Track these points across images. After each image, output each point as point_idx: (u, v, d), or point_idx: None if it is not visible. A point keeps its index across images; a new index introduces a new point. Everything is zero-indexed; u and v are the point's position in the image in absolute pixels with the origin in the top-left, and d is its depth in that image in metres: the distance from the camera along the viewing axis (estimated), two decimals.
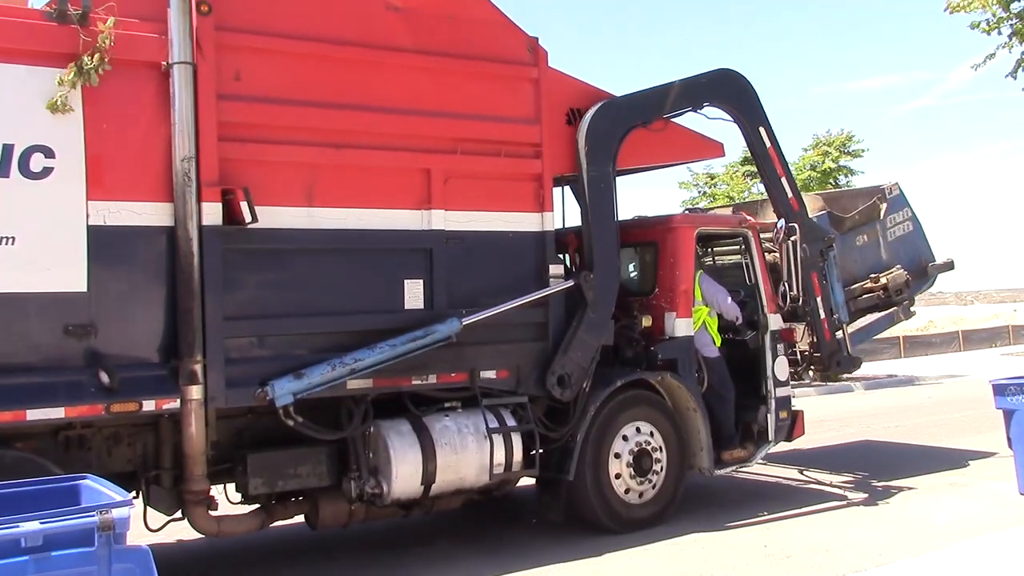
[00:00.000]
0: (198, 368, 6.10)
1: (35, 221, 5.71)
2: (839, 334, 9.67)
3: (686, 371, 8.38)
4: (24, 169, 5.67)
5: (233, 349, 6.33)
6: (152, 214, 6.11)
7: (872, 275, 10.74)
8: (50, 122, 5.75)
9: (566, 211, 8.94)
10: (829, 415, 15.05)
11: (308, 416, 6.60)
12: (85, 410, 5.84)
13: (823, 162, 25.27)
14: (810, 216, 9.66)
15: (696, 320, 8.59)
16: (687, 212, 10.07)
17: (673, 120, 8.79)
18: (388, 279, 7.02)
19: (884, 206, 10.90)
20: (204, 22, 6.23)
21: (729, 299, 8.84)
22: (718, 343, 8.79)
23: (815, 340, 9.47)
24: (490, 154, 7.47)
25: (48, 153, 5.75)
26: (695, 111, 8.70)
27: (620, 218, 8.28)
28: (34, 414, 5.64)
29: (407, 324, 6.92)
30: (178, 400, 6.09)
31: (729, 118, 8.94)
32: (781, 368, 9.02)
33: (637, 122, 8.23)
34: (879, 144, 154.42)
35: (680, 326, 8.44)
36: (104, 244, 5.91)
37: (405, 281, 7.06)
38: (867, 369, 25.16)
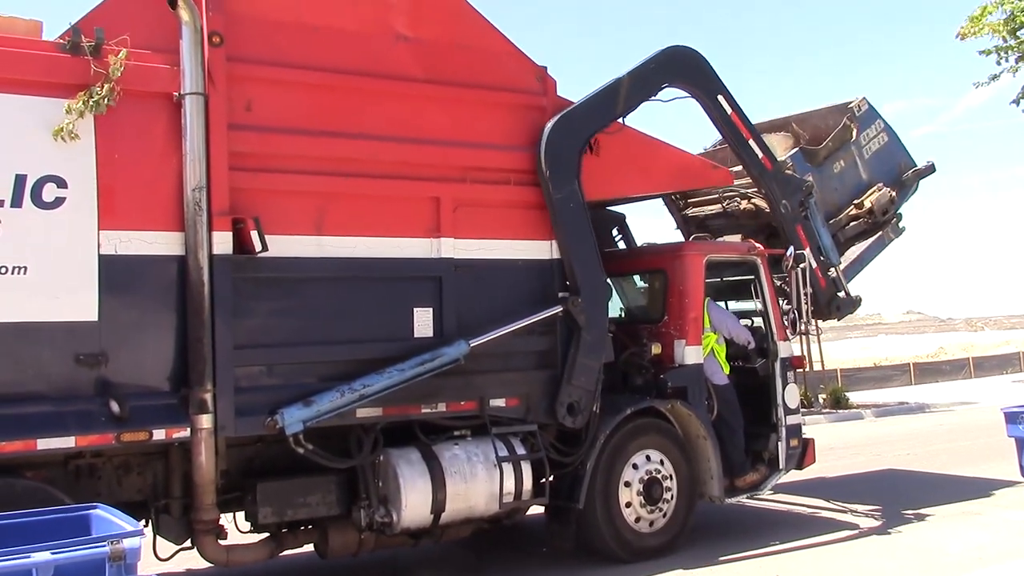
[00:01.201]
0: (208, 397, 6.10)
1: (47, 251, 5.74)
2: (832, 272, 9.49)
3: (696, 399, 8.36)
4: (37, 199, 5.71)
5: (243, 378, 6.34)
6: (163, 243, 6.14)
7: (856, 201, 10.39)
8: (63, 152, 5.79)
9: None
10: (840, 442, 14.98)
11: (318, 444, 6.59)
12: (96, 439, 5.84)
13: None
14: (783, 157, 9.56)
15: (705, 347, 8.58)
16: (695, 239, 10.09)
17: (673, 145, 8.82)
18: (397, 307, 7.03)
19: (855, 126, 10.43)
20: (216, 53, 6.28)
21: (739, 323, 8.84)
22: (727, 370, 8.77)
23: (811, 292, 9.19)
24: (499, 182, 7.50)
25: (61, 183, 5.79)
26: (651, 99, 8.36)
27: (632, 245, 8.27)
28: (45, 443, 5.65)
29: (416, 352, 6.90)
30: (188, 429, 6.09)
31: (685, 94, 8.62)
32: (791, 396, 9.00)
33: (594, 129, 7.87)
34: None
35: (689, 354, 8.42)
36: (115, 273, 5.94)
37: (414, 309, 7.07)
38: (877, 396, 25.10)
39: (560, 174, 7.59)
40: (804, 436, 9.11)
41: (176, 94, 6.18)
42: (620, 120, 8.10)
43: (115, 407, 5.82)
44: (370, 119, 6.96)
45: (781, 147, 9.88)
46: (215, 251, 6.18)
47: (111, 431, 5.84)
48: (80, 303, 5.81)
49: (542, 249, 7.67)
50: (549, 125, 7.58)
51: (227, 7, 6.39)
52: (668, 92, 8.52)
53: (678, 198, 10.58)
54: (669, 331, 8.53)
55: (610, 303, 9.52)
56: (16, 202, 5.65)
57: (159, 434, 6.03)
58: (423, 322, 7.08)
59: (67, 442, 5.73)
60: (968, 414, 19.96)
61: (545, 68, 7.84)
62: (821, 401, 22.21)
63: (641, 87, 8.16)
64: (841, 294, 9.54)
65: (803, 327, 9.12)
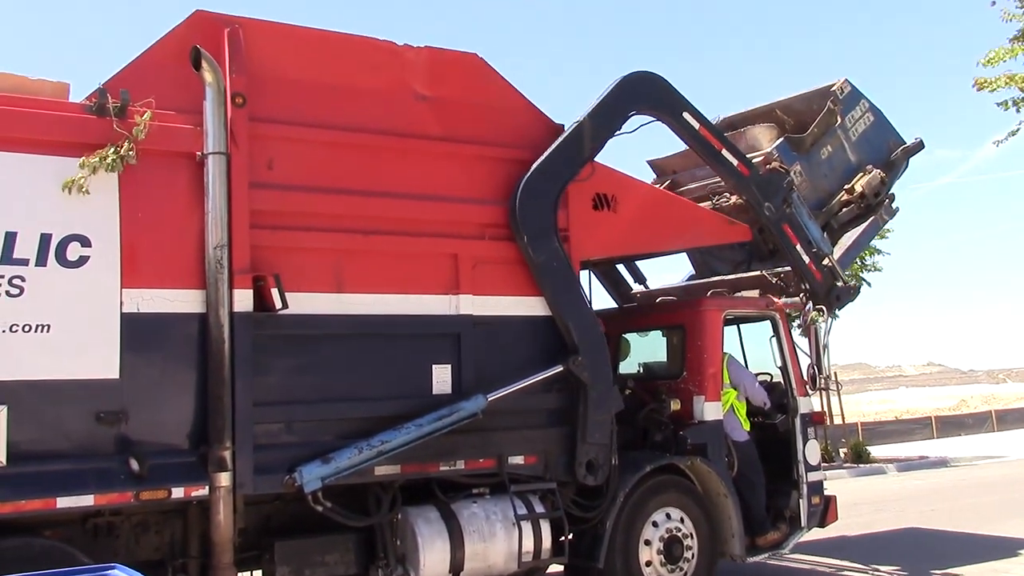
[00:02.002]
0: (227, 455, 6.09)
1: (70, 309, 5.78)
2: (826, 262, 9.21)
3: (716, 456, 8.30)
4: (61, 258, 5.77)
5: (262, 435, 6.33)
6: (184, 301, 6.18)
7: (847, 186, 10.06)
8: (87, 211, 5.86)
9: (593, 295, 8.98)
10: (862, 498, 14.80)
11: (336, 502, 6.56)
12: (115, 498, 5.83)
13: None
14: (769, 148, 9.41)
15: (724, 404, 8.54)
16: (713, 294, 10.08)
17: (693, 201, 8.84)
18: (416, 364, 7.03)
19: (839, 109, 10.02)
20: (238, 113, 6.37)
21: (757, 384, 8.80)
22: (747, 427, 8.73)
23: (810, 290, 9.13)
24: (516, 239, 7.53)
25: (85, 242, 5.85)
26: (618, 133, 8.06)
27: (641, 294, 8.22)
28: (64, 502, 5.65)
29: (434, 409, 6.89)
30: (207, 487, 6.07)
31: (651, 118, 8.30)
32: (812, 452, 8.93)
33: (565, 181, 7.60)
34: (905, 221, 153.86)
35: (709, 410, 8.39)
36: (137, 331, 5.97)
37: (433, 366, 7.07)
38: (899, 450, 24.83)
39: (538, 236, 7.41)
40: (826, 493, 9.03)
41: (199, 154, 6.25)
42: (590, 163, 7.80)
43: (134, 465, 5.82)
44: (389, 177, 7.03)
45: (766, 138, 9.66)
46: (236, 308, 6.20)
47: (130, 489, 5.83)
48: (102, 361, 5.84)
49: None
50: (518, 188, 7.38)
51: (250, 69, 6.49)
52: (632, 121, 8.24)
53: None
54: (688, 387, 8.50)
55: (628, 359, 9.58)
56: (41, 261, 5.71)
57: (178, 492, 6.01)
58: (442, 379, 7.08)
59: (86, 500, 5.72)
60: (992, 468, 19.72)
61: (563, 125, 7.90)
62: (842, 455, 21.99)
63: (605, 124, 7.89)
64: (839, 283, 9.28)
65: (822, 382, 9.07)
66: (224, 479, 6.09)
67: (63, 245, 5.79)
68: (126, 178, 5.97)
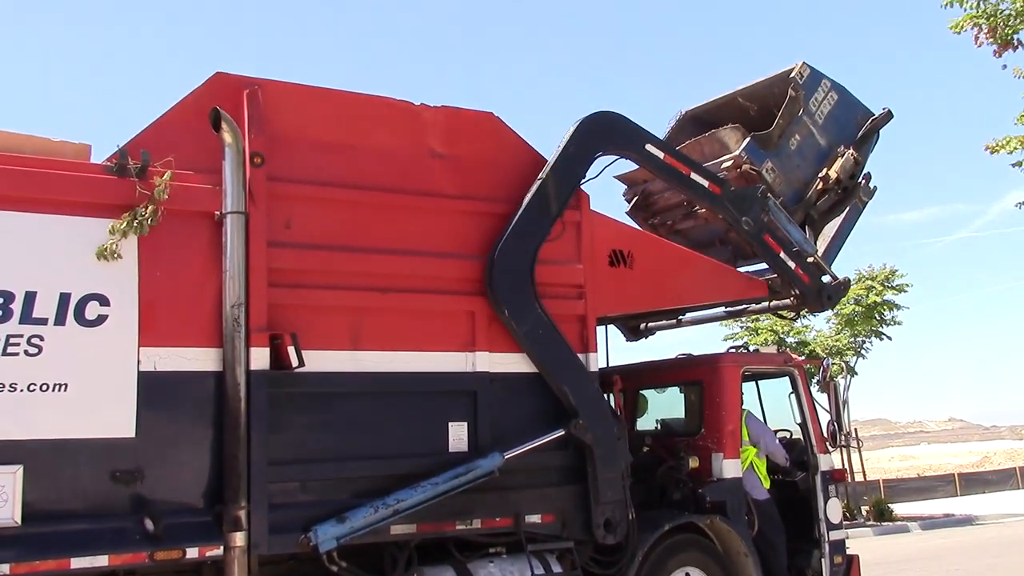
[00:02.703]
0: (242, 514, 6.05)
1: (88, 368, 5.80)
2: (811, 260, 9.04)
3: (735, 514, 8.19)
4: (79, 317, 5.80)
5: (277, 494, 6.29)
6: (201, 359, 6.19)
7: (821, 174, 9.66)
8: (106, 271, 5.90)
9: (610, 350, 8.97)
10: (886, 558, 14.56)
11: (352, 561, 6.50)
12: (129, 558, 5.78)
13: (867, 296, 25.16)
14: (737, 151, 9.09)
15: (744, 461, 8.46)
16: (731, 350, 10.03)
17: (709, 258, 8.84)
18: (433, 422, 7.00)
19: (802, 94, 9.61)
20: (257, 173, 6.44)
21: (776, 441, 8.72)
22: (767, 485, 8.63)
23: (800, 294, 9.01)
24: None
25: (103, 301, 5.88)
26: (584, 181, 7.80)
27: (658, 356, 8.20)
28: (79, 562, 5.61)
29: (451, 467, 6.84)
30: (221, 547, 6.02)
31: (615, 157, 8.19)
32: (834, 510, 8.81)
33: (537, 244, 7.38)
34: (922, 276, 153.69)
35: (728, 467, 8.31)
36: (153, 390, 5.97)
37: (449, 424, 7.03)
38: (922, 508, 24.47)
39: (519, 307, 7.22)
40: (848, 552, 8.91)
41: (218, 213, 6.31)
42: (559, 220, 7.54)
43: (149, 525, 5.79)
44: (406, 234, 7.06)
45: (733, 140, 9.29)
46: (252, 367, 6.20)
47: (145, 550, 5.78)
48: (118, 420, 5.84)
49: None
50: (491, 264, 7.18)
51: (268, 129, 6.57)
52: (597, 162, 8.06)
53: (641, 208, 10.09)
54: (707, 444, 8.43)
55: (646, 415, 9.52)
56: (60, 320, 5.74)
57: (192, 552, 5.96)
58: (458, 437, 7.04)
59: (101, 560, 5.67)
60: (1018, 527, 19.39)
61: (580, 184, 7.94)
62: (864, 513, 21.70)
63: (568, 177, 7.62)
64: (826, 279, 9.10)
65: (843, 439, 8.99)
66: (239, 539, 6.04)
67: (82, 304, 5.82)
68: (145, 237, 6.01)
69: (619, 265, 8.03)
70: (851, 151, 9.77)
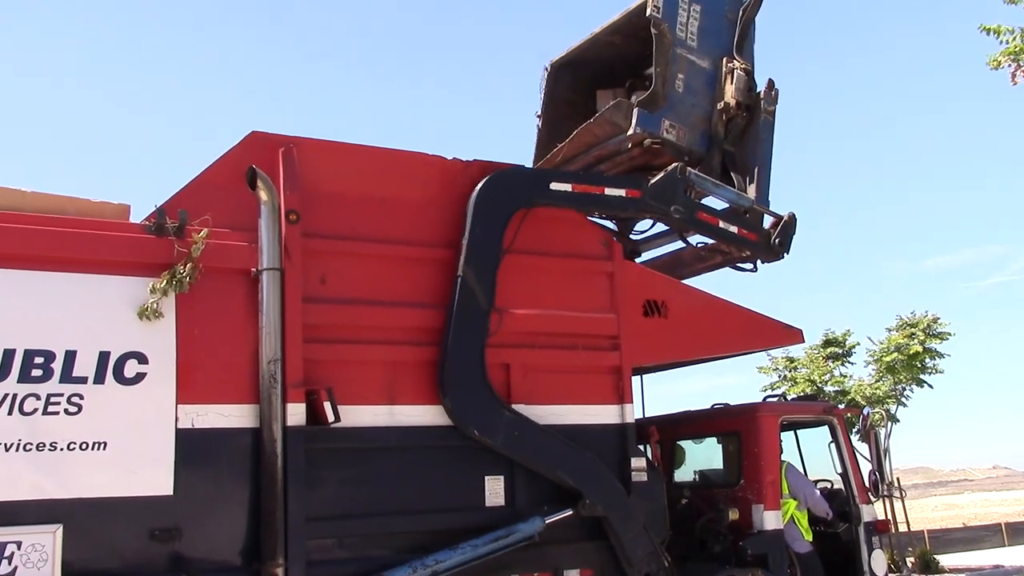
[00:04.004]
0: (280, 572, 6.01)
1: (126, 426, 5.83)
2: (747, 215, 8.59)
3: (777, 567, 8.04)
4: (119, 376, 5.85)
5: (314, 551, 6.25)
6: (238, 416, 6.21)
7: (718, 104, 8.73)
8: (145, 329, 5.96)
9: (646, 401, 8.91)
10: None
11: None
12: None
13: (910, 345, 24.80)
14: (632, 128, 8.24)
15: (784, 513, 8.32)
16: (769, 400, 9.93)
17: (743, 306, 8.78)
18: (469, 476, 6.96)
19: (665, 26, 8.41)
20: (292, 230, 6.50)
21: (817, 493, 8.58)
22: (809, 537, 8.48)
23: (751, 253, 8.68)
24: (567, 347, 7.51)
25: (142, 359, 5.93)
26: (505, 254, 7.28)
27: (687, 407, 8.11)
28: None
29: (488, 522, 6.82)
30: None
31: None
32: (878, 562, 8.64)
33: (481, 344, 7.00)
34: (962, 322, 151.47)
35: (768, 519, 8.17)
36: (191, 447, 5.99)
37: (486, 478, 6.99)
38: (970, 559, 23.87)
39: (484, 421, 6.92)
40: None
41: (254, 270, 6.37)
42: (493, 309, 7.12)
43: None
44: (439, 288, 7.07)
45: (621, 117, 8.35)
46: (289, 423, 6.22)
47: None
48: (156, 478, 5.86)
49: (613, 413, 7.59)
50: (442, 389, 6.84)
51: (303, 186, 6.65)
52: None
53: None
54: (746, 495, 8.31)
55: (683, 466, 9.41)
56: (99, 379, 5.80)
57: None
58: (495, 491, 6.99)
59: None
60: None
61: (610, 234, 7.95)
62: (910, 565, 21.20)
63: (486, 259, 7.12)
64: (769, 222, 8.65)
65: (885, 489, 8.83)
66: None
67: (121, 362, 5.88)
68: (182, 295, 6.08)
69: (653, 315, 8.01)
70: (736, 62, 8.82)
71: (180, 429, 5.97)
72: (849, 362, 26.59)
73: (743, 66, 8.84)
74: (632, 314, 7.88)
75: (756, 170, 8.86)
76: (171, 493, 5.89)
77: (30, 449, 5.55)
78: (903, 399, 24.81)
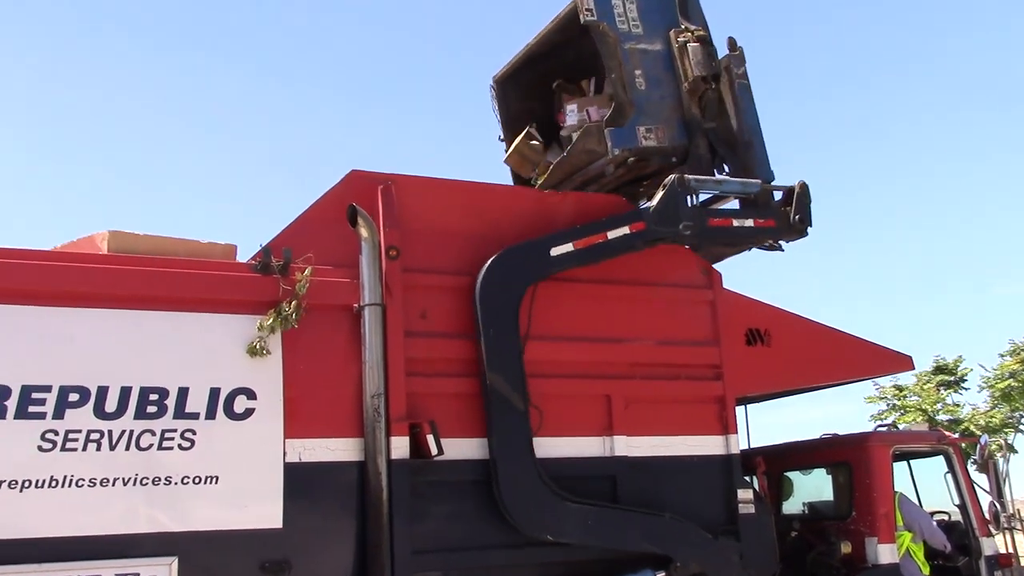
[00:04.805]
0: None
1: (236, 460, 5.96)
2: (761, 197, 7.99)
3: None
4: (229, 411, 6.00)
5: None
6: (343, 449, 6.28)
7: (684, 84, 8.02)
8: (253, 365, 6.10)
9: (750, 431, 8.74)
10: None
11: None
12: None
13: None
14: (602, 147, 7.75)
15: (900, 546, 8.04)
16: (879, 429, 9.65)
17: (849, 333, 8.57)
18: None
19: (604, 25, 7.83)
20: (393, 266, 6.59)
21: (934, 525, 8.26)
22: (926, 571, 8.16)
23: (775, 238, 8.10)
24: (669, 378, 7.43)
25: (250, 395, 6.07)
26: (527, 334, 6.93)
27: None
28: None
29: (590, 556, 6.75)
30: None
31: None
32: None
33: (528, 439, 6.73)
34: None
35: (883, 552, 7.90)
36: (299, 481, 6.08)
37: None
38: None
39: (558, 526, 6.64)
40: None
41: (356, 305, 6.47)
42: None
43: None
44: (540, 319, 7.05)
45: (595, 142, 7.87)
46: (393, 456, 6.27)
47: None
48: (267, 511, 5.96)
49: (717, 444, 7.46)
50: (506, 508, 6.55)
51: (403, 222, 6.74)
52: None
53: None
54: (859, 528, 8.06)
55: (791, 498, 9.18)
56: (210, 415, 5.95)
57: None
58: None
59: None
60: None
61: (710, 262, 7.86)
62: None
63: (509, 357, 6.79)
64: (786, 199, 7.96)
65: (1006, 521, 8.46)
66: None
67: (231, 398, 6.02)
68: (288, 332, 6.22)
69: (756, 344, 7.88)
70: (686, 33, 8.07)
71: (288, 463, 6.07)
72: (963, 388, 25.70)
73: (697, 33, 8.05)
74: (734, 343, 7.76)
75: (747, 145, 8.16)
76: (280, 526, 5.99)
77: (146, 483, 5.71)
78: (1021, 427, 23.83)
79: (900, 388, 26.77)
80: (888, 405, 26.70)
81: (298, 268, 6.31)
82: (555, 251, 7.10)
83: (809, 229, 7.98)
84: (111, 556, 5.53)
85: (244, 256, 6.61)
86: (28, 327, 5.69)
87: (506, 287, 6.90)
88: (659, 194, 7.46)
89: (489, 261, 6.87)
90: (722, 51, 8.22)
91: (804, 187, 7.95)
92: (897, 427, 10.95)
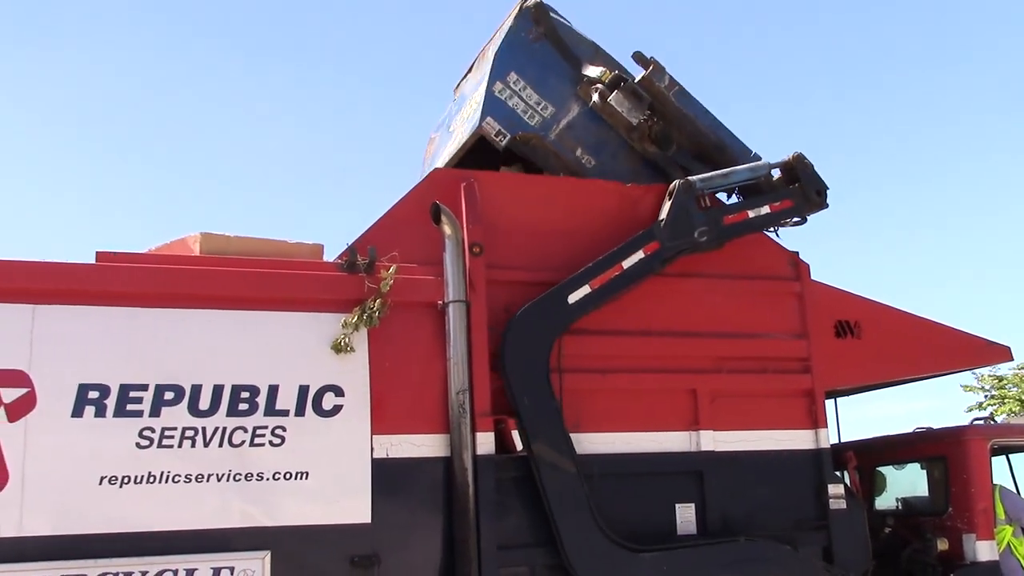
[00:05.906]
0: None
1: (325, 456, 6.07)
2: (768, 180, 7.68)
3: None
4: (317, 408, 6.10)
5: None
6: (429, 445, 6.34)
7: (624, 134, 7.60)
8: (340, 363, 6.20)
9: (840, 425, 8.57)
10: None
11: None
12: None
13: None
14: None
15: (1000, 541, 7.79)
16: (976, 422, 9.37)
17: (942, 324, 8.34)
18: (658, 503, 6.87)
19: (520, 134, 7.37)
20: (476, 262, 6.63)
21: None
22: None
23: (797, 217, 7.71)
24: (756, 371, 7.33)
25: (338, 392, 6.17)
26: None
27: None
28: None
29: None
30: None
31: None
32: None
33: (586, 495, 6.55)
34: None
35: (982, 549, 7.67)
36: (386, 476, 6.16)
37: (676, 505, 6.89)
38: None
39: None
40: None
41: (440, 302, 6.52)
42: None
43: None
44: (623, 314, 7.03)
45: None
46: (478, 451, 6.31)
47: None
48: (355, 506, 6.06)
49: (806, 438, 7.35)
50: (562, 549, 6.43)
51: (485, 219, 6.77)
52: None
53: None
54: (956, 524, 7.84)
55: (885, 493, 8.98)
56: (300, 411, 6.06)
57: None
58: (686, 518, 6.87)
59: None
60: None
61: (797, 253, 7.73)
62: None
63: (548, 422, 6.57)
64: (796, 177, 7.63)
65: None
66: None
67: (319, 396, 6.13)
68: (374, 329, 6.29)
69: (846, 336, 7.74)
70: (596, 86, 7.51)
71: (376, 459, 6.16)
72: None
73: (606, 78, 7.48)
74: (823, 335, 7.63)
75: (717, 143, 7.79)
76: (369, 521, 6.07)
77: (239, 479, 5.85)
78: None
79: (999, 379, 26.01)
80: (986, 396, 25.97)
81: (383, 266, 6.39)
82: (572, 298, 6.81)
83: (827, 197, 7.65)
84: (207, 550, 5.67)
85: (330, 255, 6.72)
86: (124, 328, 5.87)
87: (531, 352, 6.64)
88: (666, 205, 7.22)
89: (506, 329, 6.60)
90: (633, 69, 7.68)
91: (800, 158, 7.63)
92: (995, 420, 10.59)
